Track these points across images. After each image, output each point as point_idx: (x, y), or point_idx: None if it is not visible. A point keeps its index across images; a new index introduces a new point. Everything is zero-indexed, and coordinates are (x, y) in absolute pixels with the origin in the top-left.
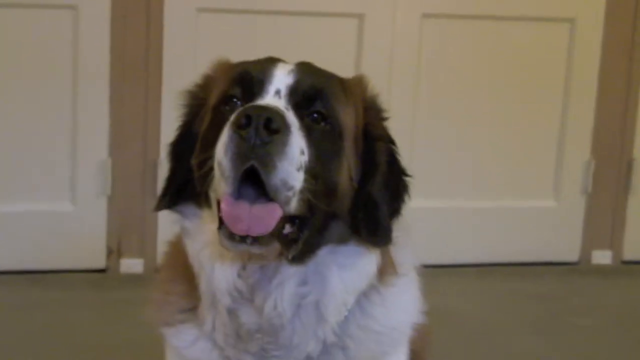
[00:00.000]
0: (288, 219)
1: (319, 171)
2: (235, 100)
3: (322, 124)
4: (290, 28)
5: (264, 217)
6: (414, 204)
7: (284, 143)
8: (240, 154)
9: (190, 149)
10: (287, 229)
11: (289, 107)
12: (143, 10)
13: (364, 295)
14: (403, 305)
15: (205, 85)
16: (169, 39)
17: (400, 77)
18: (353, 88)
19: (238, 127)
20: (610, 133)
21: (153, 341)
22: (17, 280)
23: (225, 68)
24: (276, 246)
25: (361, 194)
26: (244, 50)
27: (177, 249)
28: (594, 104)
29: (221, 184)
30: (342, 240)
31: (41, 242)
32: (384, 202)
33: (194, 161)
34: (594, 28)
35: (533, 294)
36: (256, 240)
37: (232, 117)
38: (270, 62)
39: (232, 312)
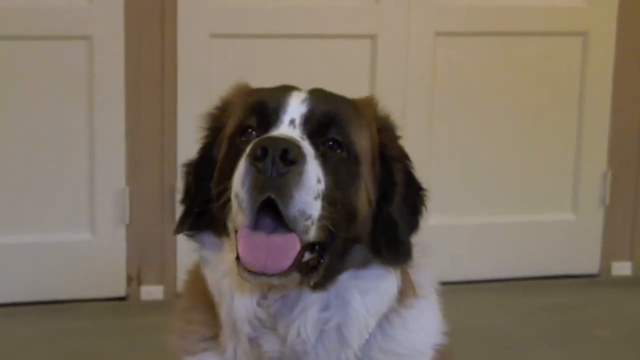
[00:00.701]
0: (307, 246)
1: (337, 198)
2: (250, 131)
3: (338, 150)
4: (303, 51)
5: (282, 250)
6: (432, 222)
7: (301, 173)
8: (257, 186)
9: (209, 172)
10: (307, 256)
11: (304, 137)
12: (157, 39)
13: (385, 318)
14: (424, 327)
15: (224, 108)
16: (183, 65)
17: (415, 96)
18: (364, 110)
19: (255, 159)
20: (626, 144)
21: None
22: (38, 311)
23: (243, 93)
24: (296, 276)
25: (381, 215)
26: (257, 75)
27: (197, 277)
28: (608, 115)
29: (238, 215)
30: (363, 264)
31: (61, 272)
32: (403, 220)
33: (212, 192)
34: (606, 40)
35: (553, 307)
36: (282, 273)
37: (248, 149)
38: (284, 91)
39: (253, 341)
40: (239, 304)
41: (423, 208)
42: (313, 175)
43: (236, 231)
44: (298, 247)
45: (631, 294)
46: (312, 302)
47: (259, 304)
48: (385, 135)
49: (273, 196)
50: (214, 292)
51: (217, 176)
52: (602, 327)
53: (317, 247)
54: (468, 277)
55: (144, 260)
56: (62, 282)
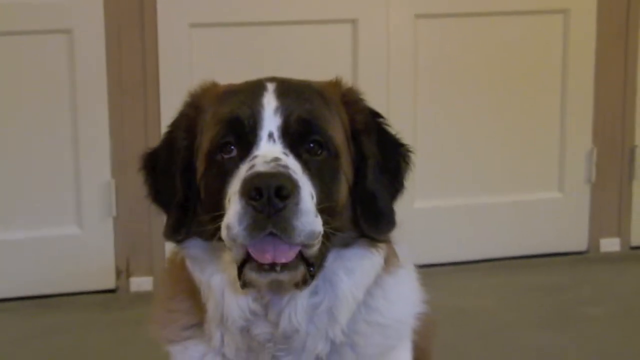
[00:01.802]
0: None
1: (326, 202)
2: (231, 147)
3: (319, 152)
4: (284, 38)
5: (282, 249)
6: (419, 204)
7: (297, 203)
8: (256, 225)
9: (170, 162)
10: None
11: (287, 151)
12: (137, 30)
13: (368, 292)
14: (404, 296)
15: (194, 105)
16: (164, 56)
17: (398, 79)
18: (331, 95)
19: (250, 198)
20: (611, 121)
21: (167, 359)
22: (28, 306)
23: (213, 96)
24: (302, 269)
25: (356, 192)
26: (239, 63)
27: (176, 265)
28: (592, 92)
29: (234, 249)
30: (345, 244)
31: (50, 267)
32: (382, 188)
33: (203, 217)
34: (587, 17)
35: (543, 285)
36: (285, 266)
37: (240, 187)
38: (255, 99)
39: (243, 330)
40: (232, 302)
41: (405, 165)
42: (308, 197)
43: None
44: (296, 247)
45: (620, 270)
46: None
47: (254, 300)
48: (351, 109)
49: (275, 231)
50: (202, 288)
51: (205, 197)
52: (592, 304)
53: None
54: (456, 258)
55: (133, 252)
56: (51, 277)
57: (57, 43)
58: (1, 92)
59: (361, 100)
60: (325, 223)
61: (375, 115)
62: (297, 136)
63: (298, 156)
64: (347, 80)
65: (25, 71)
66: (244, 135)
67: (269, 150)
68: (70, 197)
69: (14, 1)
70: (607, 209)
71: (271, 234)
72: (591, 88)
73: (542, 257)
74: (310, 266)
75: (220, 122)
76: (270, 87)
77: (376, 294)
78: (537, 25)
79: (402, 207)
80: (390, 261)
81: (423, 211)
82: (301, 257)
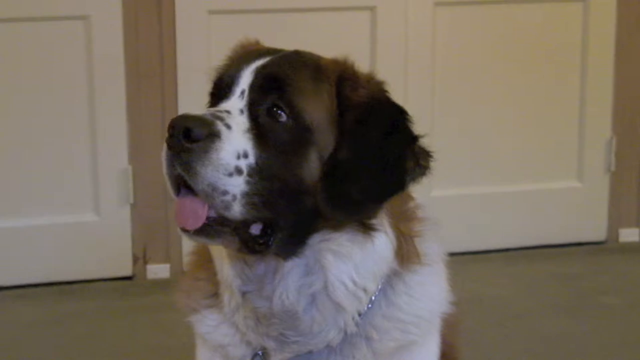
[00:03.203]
0: (253, 220)
1: (275, 172)
2: (213, 100)
3: (282, 119)
4: (302, 25)
5: (193, 210)
6: (437, 193)
7: (206, 150)
8: (168, 161)
9: None
10: (255, 229)
11: (244, 108)
12: (155, 16)
13: (389, 285)
14: (428, 294)
15: (226, 59)
16: (181, 43)
17: (416, 66)
18: (328, 70)
19: (169, 136)
20: (630, 109)
21: (184, 345)
22: (45, 293)
23: (236, 52)
24: (231, 239)
25: (326, 168)
26: None
27: None
28: (612, 81)
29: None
30: (336, 227)
31: (67, 254)
32: (361, 173)
33: None
34: (607, 5)
35: (562, 275)
36: (200, 232)
37: None
38: (248, 60)
39: (244, 295)
40: (226, 266)
41: (410, 163)
42: (227, 152)
43: None
44: (205, 209)
45: (639, 261)
46: (290, 268)
47: (246, 264)
48: (346, 87)
49: (180, 171)
50: (211, 250)
51: None
52: (611, 294)
53: (265, 224)
54: (475, 247)
55: (150, 239)
56: (69, 264)
57: (75, 29)
58: (19, 79)
59: (358, 77)
60: (271, 199)
61: (386, 103)
62: (258, 96)
63: (253, 117)
64: (359, 63)
65: (42, 57)
66: (222, 90)
67: (230, 105)
68: (87, 184)
69: None
70: (626, 199)
71: (191, 193)
72: (611, 77)
73: (560, 247)
74: (263, 242)
75: (212, 80)
76: (271, 55)
77: (398, 290)
78: (557, 13)
79: (420, 197)
80: (410, 257)
81: (441, 199)
82: (238, 232)
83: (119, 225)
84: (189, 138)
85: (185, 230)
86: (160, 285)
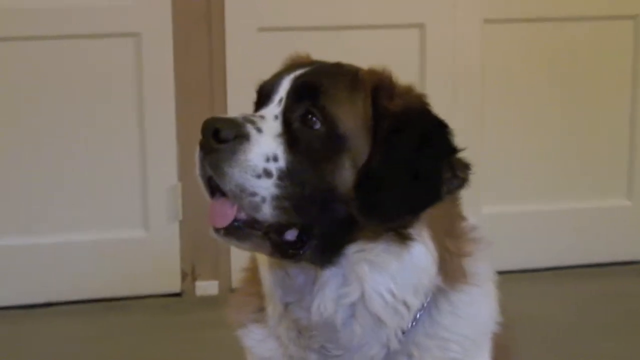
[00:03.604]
0: (287, 225)
1: (307, 177)
2: (256, 108)
3: (316, 127)
4: (351, 42)
5: (222, 210)
6: (487, 210)
7: (234, 151)
8: (200, 162)
9: None
10: (290, 235)
11: (279, 114)
12: (205, 34)
13: (434, 304)
14: (475, 315)
15: None
16: (231, 60)
17: (465, 84)
18: (364, 80)
19: (201, 137)
20: None
21: None
22: (94, 309)
23: (285, 64)
24: (261, 243)
25: (359, 176)
26: None
27: None
28: None
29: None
30: (372, 237)
31: (116, 269)
32: (393, 182)
33: None
34: None
35: (610, 294)
36: (230, 233)
37: None
38: (287, 70)
39: (286, 307)
40: (267, 274)
41: (439, 170)
42: (255, 154)
43: None
44: (234, 210)
45: None
46: (328, 278)
47: (286, 274)
48: (379, 95)
49: (209, 172)
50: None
51: None
52: None
53: (301, 230)
54: (524, 265)
55: (198, 256)
56: (118, 279)
57: (126, 46)
58: (69, 96)
59: (394, 87)
60: (302, 204)
61: (423, 113)
62: (293, 102)
63: (287, 122)
64: (408, 79)
65: (93, 74)
66: (263, 100)
67: (267, 111)
68: (137, 200)
69: (83, 5)
70: None
71: (224, 195)
72: None
73: (610, 266)
74: (297, 248)
75: (256, 89)
76: (313, 66)
77: (443, 309)
78: (607, 31)
79: (470, 214)
80: (456, 275)
81: (490, 217)
82: (270, 235)
83: (168, 241)
84: (218, 139)
85: (216, 230)
86: (209, 302)
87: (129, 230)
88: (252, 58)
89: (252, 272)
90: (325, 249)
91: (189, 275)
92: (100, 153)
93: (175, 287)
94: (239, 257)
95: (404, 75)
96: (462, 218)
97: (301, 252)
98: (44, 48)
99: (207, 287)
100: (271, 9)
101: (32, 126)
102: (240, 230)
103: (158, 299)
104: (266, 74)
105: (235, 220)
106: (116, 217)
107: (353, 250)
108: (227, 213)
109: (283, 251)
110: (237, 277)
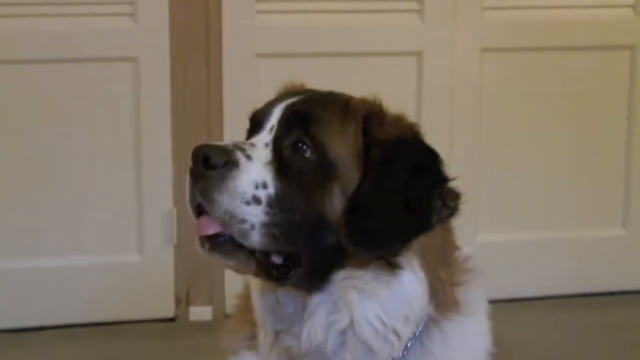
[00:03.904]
0: (275, 251)
1: (296, 205)
2: (248, 136)
3: (307, 155)
4: (349, 70)
5: (208, 222)
6: (482, 238)
7: (223, 178)
8: (190, 189)
9: None
10: (276, 259)
11: (270, 142)
12: (202, 59)
13: (426, 333)
14: (466, 344)
15: None
16: (228, 86)
17: (463, 112)
18: (356, 109)
19: (192, 164)
20: None
21: None
22: (87, 333)
23: (278, 95)
24: (246, 262)
25: (348, 204)
26: None
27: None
28: None
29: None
30: (361, 265)
31: (110, 294)
32: (383, 210)
33: None
34: None
35: (608, 323)
36: (215, 249)
37: None
38: (280, 99)
39: (277, 334)
40: (259, 300)
41: (430, 198)
42: (244, 181)
43: None
44: (216, 226)
45: None
46: (318, 304)
47: (277, 302)
48: (369, 124)
49: (199, 199)
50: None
51: None
52: None
53: (288, 256)
54: (520, 294)
55: (193, 281)
56: (111, 304)
57: (123, 71)
58: (65, 119)
59: (388, 118)
60: (290, 232)
61: (414, 142)
62: (284, 130)
63: (277, 150)
64: (405, 108)
65: (89, 99)
66: (255, 128)
67: (258, 139)
68: (131, 224)
69: (80, 29)
70: None
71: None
72: None
73: (607, 295)
74: (282, 273)
75: (248, 117)
76: (304, 94)
77: (434, 337)
78: (604, 61)
79: (465, 242)
80: (447, 304)
81: (486, 245)
82: (256, 257)
83: (163, 266)
84: (208, 165)
85: (201, 245)
86: (203, 327)
87: (123, 254)
88: (249, 84)
89: (246, 299)
90: (312, 274)
91: (183, 300)
92: (95, 176)
93: (169, 312)
94: (234, 283)
95: (401, 103)
96: (455, 247)
97: (287, 276)
98: (39, 72)
99: (201, 312)
100: (269, 35)
101: (26, 149)
102: (226, 245)
103: (151, 323)
104: (264, 100)
105: (221, 234)
106: (110, 241)
107: (341, 277)
108: (212, 224)
109: (269, 273)
110: (231, 303)
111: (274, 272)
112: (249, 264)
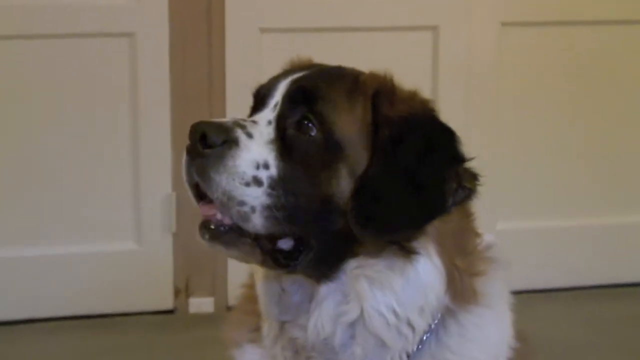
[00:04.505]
0: (281, 235)
1: (301, 187)
2: (252, 113)
3: (312, 133)
4: (359, 45)
5: (210, 209)
6: (501, 226)
7: (221, 156)
8: (186, 167)
9: None
10: (284, 244)
11: (273, 120)
12: (203, 34)
13: (442, 325)
14: (485, 337)
15: None
16: (231, 63)
17: (480, 90)
18: (365, 85)
19: (189, 142)
20: None
21: None
22: (80, 326)
23: (286, 67)
24: (250, 250)
25: (356, 185)
26: None
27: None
28: None
29: None
30: (375, 253)
31: (106, 285)
32: (392, 193)
33: None
34: None
35: (632, 316)
36: (216, 239)
37: None
38: (285, 74)
39: (282, 325)
40: (263, 289)
41: (443, 180)
42: (244, 160)
43: None
44: (215, 213)
45: None
46: (326, 294)
47: (283, 291)
48: (379, 101)
49: (196, 178)
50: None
51: None
52: None
53: (297, 238)
54: (541, 285)
55: (193, 271)
56: (107, 295)
57: (119, 47)
58: (59, 98)
59: (399, 95)
60: (295, 215)
61: (427, 120)
62: (289, 107)
63: (281, 128)
64: (420, 85)
65: (84, 77)
66: (259, 104)
67: (261, 116)
68: (128, 210)
69: (76, 3)
70: None
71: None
72: None
73: (631, 286)
74: (290, 259)
75: (252, 93)
76: (311, 69)
77: (451, 330)
78: (629, 36)
79: (484, 229)
80: (465, 295)
81: (507, 233)
82: (244, 233)
83: (161, 255)
84: (205, 143)
85: (201, 234)
86: (203, 320)
87: (119, 242)
88: (253, 61)
89: (251, 288)
90: (322, 262)
91: (183, 291)
92: (90, 159)
93: (168, 303)
94: (237, 272)
95: (414, 81)
96: (475, 234)
97: (296, 262)
98: (32, 47)
99: (201, 304)
100: (274, 8)
101: (20, 131)
102: (228, 235)
103: (149, 316)
104: (268, 78)
105: (221, 225)
106: (105, 229)
107: (353, 266)
108: (213, 209)
109: (275, 260)
110: (233, 294)
111: (281, 258)
112: (253, 252)
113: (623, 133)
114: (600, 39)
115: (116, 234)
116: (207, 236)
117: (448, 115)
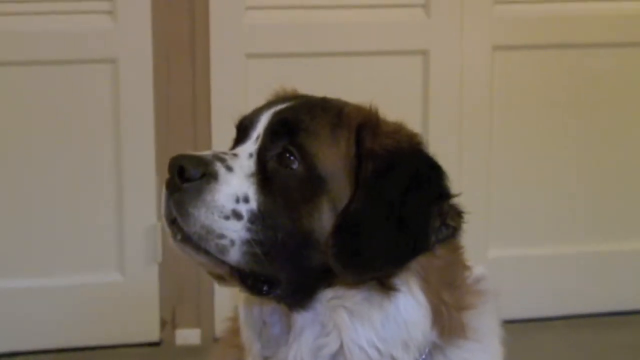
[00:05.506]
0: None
1: (281, 221)
2: (234, 145)
3: (293, 166)
4: (349, 70)
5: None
6: (493, 254)
7: (200, 191)
8: (165, 202)
9: None
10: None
11: (254, 152)
12: (188, 60)
13: (429, 358)
14: None
15: None
16: (216, 89)
17: (472, 115)
18: (349, 117)
19: (168, 175)
20: None
21: None
22: (66, 359)
23: (267, 100)
24: (218, 261)
25: (337, 221)
26: None
27: None
28: None
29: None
30: (351, 284)
31: (89, 317)
32: (374, 230)
33: None
34: None
35: (633, 346)
36: (186, 241)
37: None
38: (268, 105)
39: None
40: (245, 319)
41: (427, 217)
42: (223, 194)
43: None
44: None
45: None
46: (305, 326)
47: (264, 323)
48: (363, 134)
49: (175, 213)
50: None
51: None
52: None
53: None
54: (535, 314)
55: (179, 302)
56: (92, 328)
57: (101, 73)
58: (40, 126)
59: (384, 128)
60: (274, 250)
61: (412, 154)
62: (270, 139)
63: (262, 161)
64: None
65: (66, 104)
66: (241, 136)
67: (242, 149)
68: (112, 241)
69: (56, 29)
70: None
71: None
72: None
73: (631, 315)
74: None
75: (235, 125)
76: (295, 100)
77: None
78: (624, 59)
79: (475, 257)
80: (453, 330)
81: (498, 261)
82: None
83: (146, 286)
84: (183, 177)
85: (174, 236)
86: (190, 351)
87: (103, 274)
88: (239, 87)
89: (235, 321)
90: (296, 291)
91: (169, 322)
92: (73, 189)
93: (154, 335)
94: (223, 303)
95: (405, 106)
96: (464, 267)
97: (263, 292)
98: (11, 74)
99: (188, 335)
100: (261, 33)
101: None
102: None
103: (134, 348)
104: (254, 106)
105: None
106: (89, 260)
107: (329, 296)
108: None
109: (244, 282)
110: (220, 325)
111: (250, 283)
112: (222, 265)
113: (617, 159)
114: (594, 62)
115: (100, 266)
116: (178, 237)
117: (439, 139)
